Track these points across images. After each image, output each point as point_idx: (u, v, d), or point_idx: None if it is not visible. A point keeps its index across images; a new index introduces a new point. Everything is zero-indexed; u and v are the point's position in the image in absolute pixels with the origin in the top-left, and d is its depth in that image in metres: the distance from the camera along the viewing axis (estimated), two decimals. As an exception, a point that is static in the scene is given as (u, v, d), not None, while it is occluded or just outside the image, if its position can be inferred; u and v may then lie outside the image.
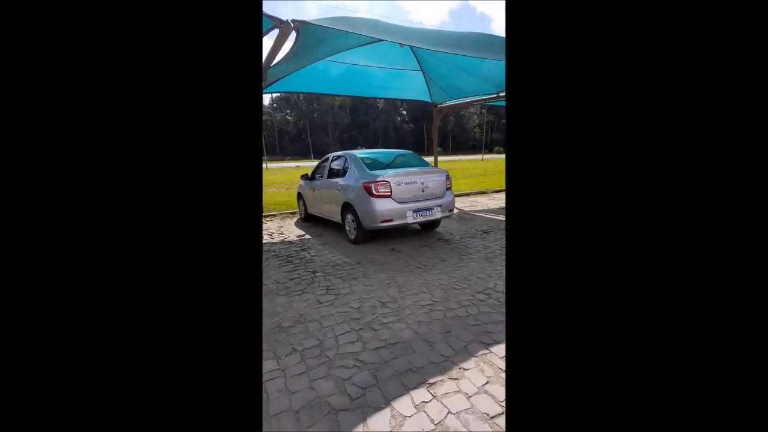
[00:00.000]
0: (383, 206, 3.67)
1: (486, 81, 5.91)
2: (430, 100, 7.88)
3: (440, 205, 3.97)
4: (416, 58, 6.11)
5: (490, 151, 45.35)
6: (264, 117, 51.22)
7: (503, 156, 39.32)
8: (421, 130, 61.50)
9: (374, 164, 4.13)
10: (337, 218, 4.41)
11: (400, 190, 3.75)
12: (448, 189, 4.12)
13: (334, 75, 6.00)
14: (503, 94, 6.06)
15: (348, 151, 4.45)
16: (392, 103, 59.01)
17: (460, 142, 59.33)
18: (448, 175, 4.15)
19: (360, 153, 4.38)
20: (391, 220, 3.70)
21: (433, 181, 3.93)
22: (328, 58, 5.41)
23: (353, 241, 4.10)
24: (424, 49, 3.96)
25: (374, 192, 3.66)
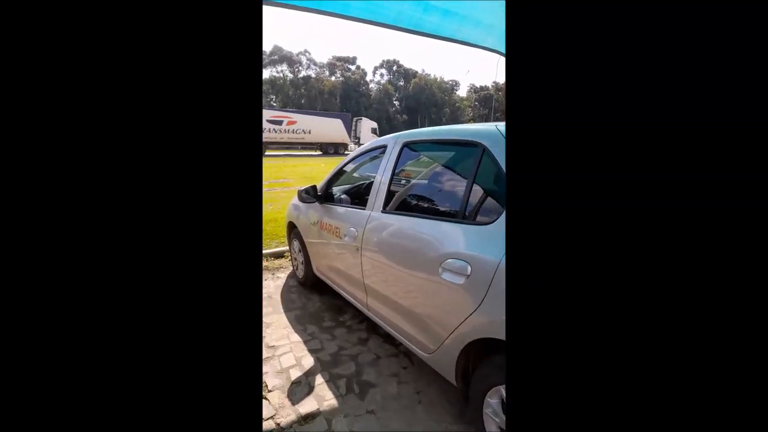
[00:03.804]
0: None
1: None
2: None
3: None
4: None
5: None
6: (246, 102, 46.45)
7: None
8: (415, 123, 58.33)
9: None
10: (419, 343, 1.28)
11: None
12: None
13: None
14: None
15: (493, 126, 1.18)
16: (386, 91, 55.55)
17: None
18: None
19: None
20: None
21: None
22: None
23: None
24: None
25: None
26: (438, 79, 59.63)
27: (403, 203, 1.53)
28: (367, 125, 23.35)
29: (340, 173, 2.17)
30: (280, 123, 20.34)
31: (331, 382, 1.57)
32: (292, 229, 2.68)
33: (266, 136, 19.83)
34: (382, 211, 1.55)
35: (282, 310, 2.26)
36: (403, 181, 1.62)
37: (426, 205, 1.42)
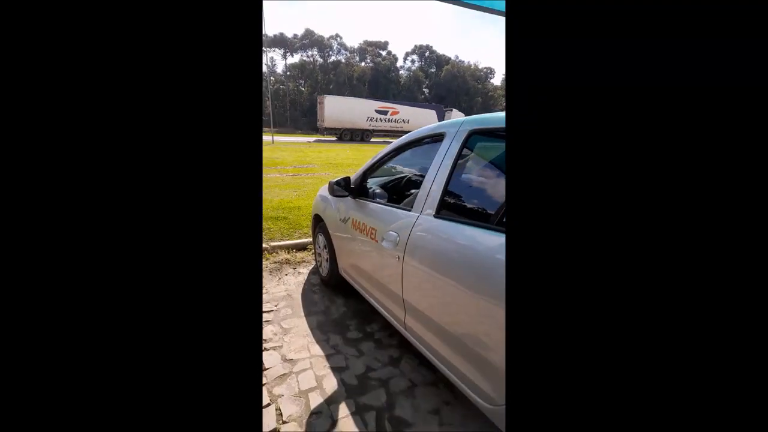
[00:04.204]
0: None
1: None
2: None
3: None
4: None
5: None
6: (276, 86, 46.85)
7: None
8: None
9: None
10: (479, 390, 0.99)
11: None
12: None
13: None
14: None
15: None
16: (416, 77, 54.30)
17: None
18: None
19: None
20: None
21: None
22: None
23: None
24: None
25: None
26: (472, 66, 57.48)
27: (466, 209, 1.21)
28: (456, 115, 25.05)
29: (379, 164, 1.86)
30: (386, 113, 24.17)
31: (358, 415, 1.31)
32: (318, 222, 2.42)
33: (373, 124, 23.86)
34: (435, 216, 1.24)
35: (303, 314, 2.02)
36: (465, 179, 1.29)
37: (501, 215, 1.09)
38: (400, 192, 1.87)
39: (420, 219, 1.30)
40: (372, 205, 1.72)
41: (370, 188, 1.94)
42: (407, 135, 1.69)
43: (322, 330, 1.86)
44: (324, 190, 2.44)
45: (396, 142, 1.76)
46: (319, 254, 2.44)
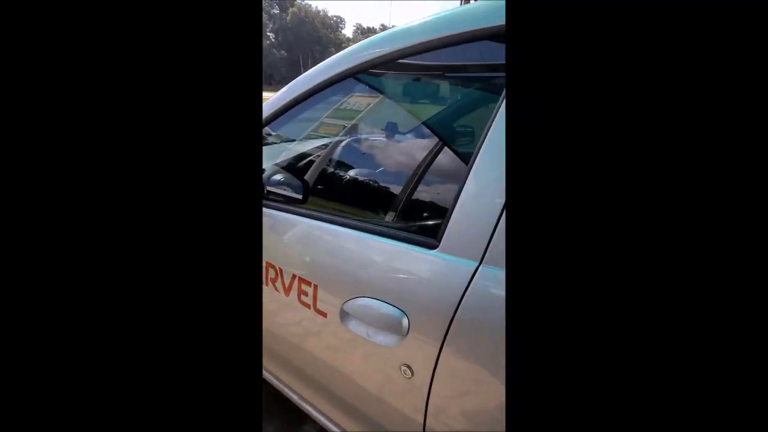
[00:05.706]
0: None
1: None
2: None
3: None
4: None
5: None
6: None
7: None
8: (297, 61, 51.97)
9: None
10: None
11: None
12: None
13: None
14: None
15: None
16: (258, 18, 47.19)
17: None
18: None
19: None
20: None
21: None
22: None
23: None
24: None
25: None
26: (321, 13, 53.70)
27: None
28: None
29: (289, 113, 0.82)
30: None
31: None
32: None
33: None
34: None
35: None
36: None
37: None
38: (369, 192, 0.89)
39: (482, 274, 0.46)
40: (286, 218, 0.74)
41: (277, 179, 0.89)
42: (356, 50, 0.71)
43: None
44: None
45: (323, 68, 0.75)
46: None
